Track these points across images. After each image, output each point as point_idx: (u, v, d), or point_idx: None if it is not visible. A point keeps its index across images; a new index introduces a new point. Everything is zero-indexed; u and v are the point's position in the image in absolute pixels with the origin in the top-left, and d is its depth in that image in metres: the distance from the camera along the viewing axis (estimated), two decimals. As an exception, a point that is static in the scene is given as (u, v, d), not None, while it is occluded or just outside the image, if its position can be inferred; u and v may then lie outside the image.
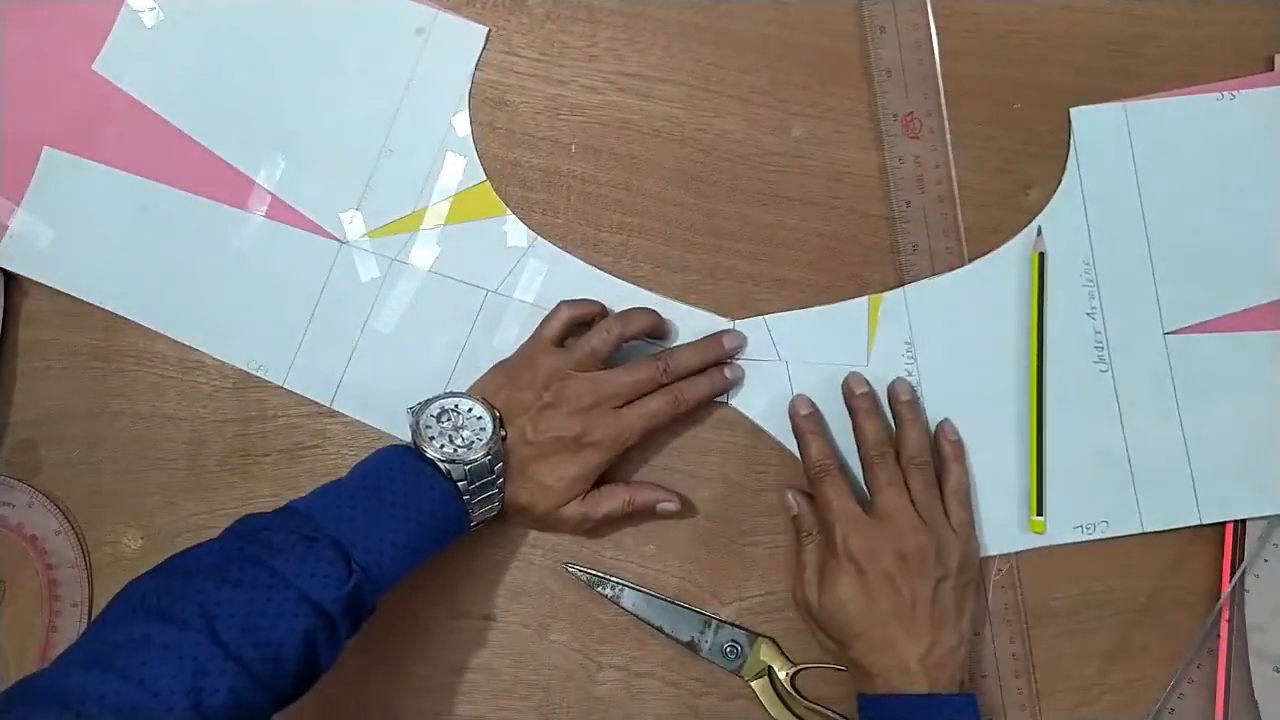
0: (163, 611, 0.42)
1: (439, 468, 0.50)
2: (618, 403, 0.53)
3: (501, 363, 0.55)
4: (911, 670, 0.50)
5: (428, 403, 0.52)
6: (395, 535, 0.48)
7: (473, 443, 0.51)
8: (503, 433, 0.52)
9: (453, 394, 0.53)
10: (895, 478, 0.53)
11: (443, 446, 0.50)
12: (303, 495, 0.49)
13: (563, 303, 0.55)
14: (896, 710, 0.50)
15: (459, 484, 0.50)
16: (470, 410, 0.52)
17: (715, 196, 0.58)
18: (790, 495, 0.56)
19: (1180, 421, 0.56)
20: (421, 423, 0.51)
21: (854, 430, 0.55)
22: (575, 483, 0.53)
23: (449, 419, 0.51)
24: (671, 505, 0.55)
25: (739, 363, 0.57)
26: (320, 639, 0.45)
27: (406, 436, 0.57)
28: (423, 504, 0.49)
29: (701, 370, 0.55)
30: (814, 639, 0.55)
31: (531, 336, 0.55)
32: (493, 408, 0.52)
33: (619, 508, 0.54)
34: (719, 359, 0.56)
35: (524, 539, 0.57)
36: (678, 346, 0.56)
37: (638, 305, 0.56)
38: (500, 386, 0.54)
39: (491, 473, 0.51)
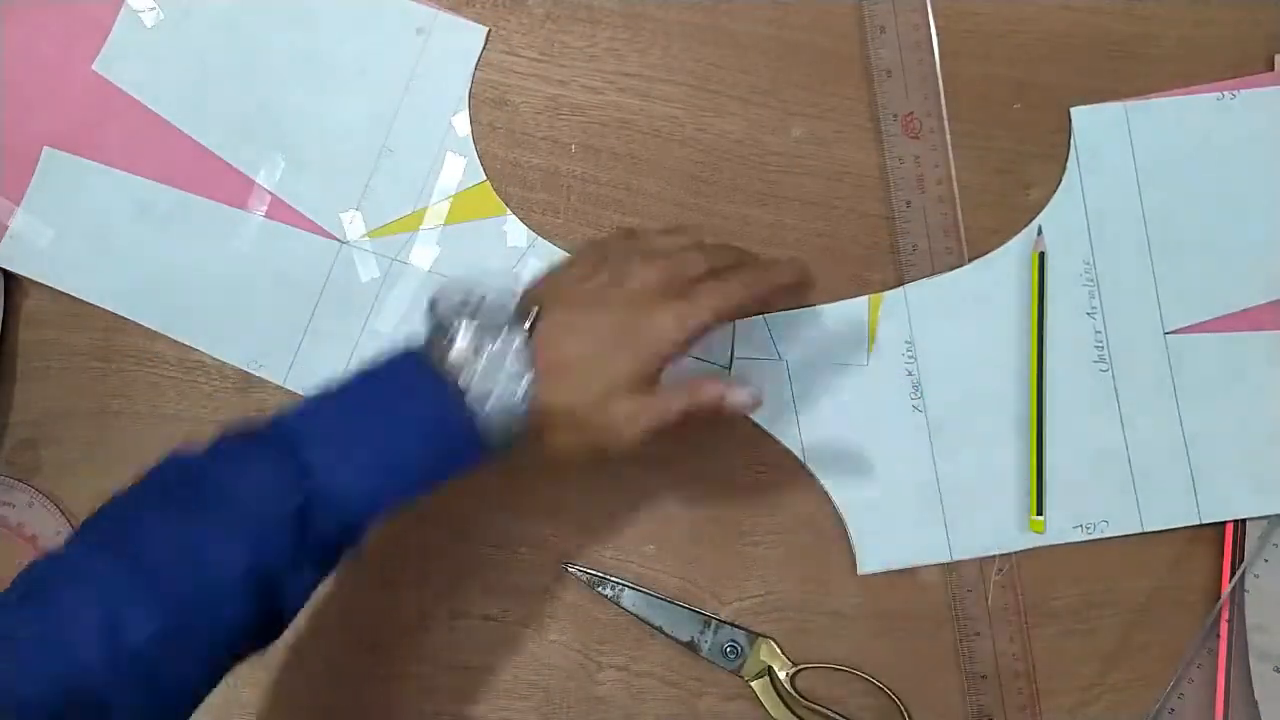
0: (92, 537, 0.38)
1: (443, 375, 0.41)
2: (683, 295, 0.44)
3: (559, 262, 0.48)
4: None
5: (452, 289, 0.43)
6: (372, 444, 0.40)
7: (489, 320, 0.42)
8: (537, 309, 0.43)
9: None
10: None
11: (454, 323, 0.41)
12: (298, 403, 0.43)
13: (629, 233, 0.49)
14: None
15: (468, 373, 0.41)
16: (499, 297, 0.43)
17: (715, 196, 0.58)
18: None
19: (1180, 421, 0.56)
20: (440, 300, 0.43)
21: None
22: (636, 374, 0.43)
23: (469, 306, 0.42)
24: (741, 398, 0.45)
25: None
26: (272, 565, 0.38)
27: (406, 436, 0.57)
28: (413, 406, 0.40)
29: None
30: None
31: (601, 238, 0.50)
32: (525, 295, 0.44)
33: (686, 404, 0.44)
34: (800, 275, 0.49)
35: (523, 539, 0.57)
36: (770, 267, 0.49)
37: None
38: (545, 277, 0.46)
39: (501, 332, 0.41)
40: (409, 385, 0.41)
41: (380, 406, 0.41)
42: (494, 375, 0.41)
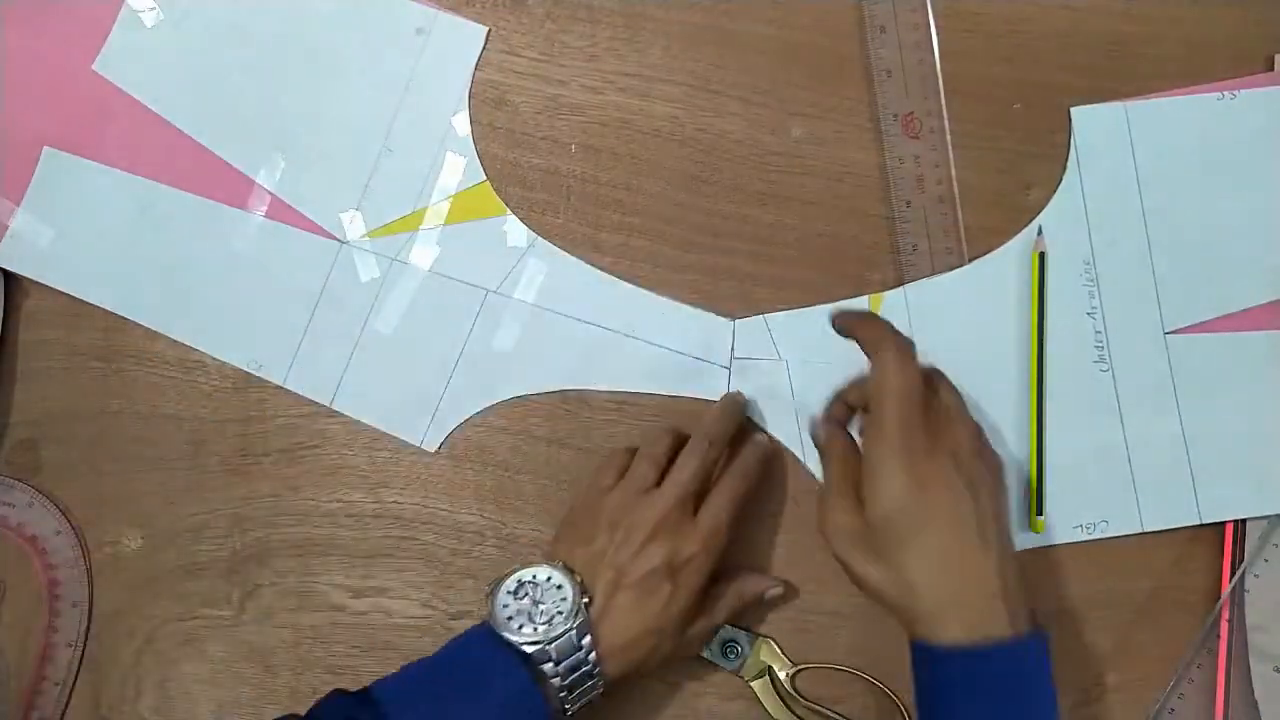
0: None
1: (519, 650, 0.46)
2: (689, 507, 0.50)
3: (563, 521, 0.54)
4: (990, 594, 0.43)
5: (502, 579, 0.48)
6: None
7: (553, 617, 0.47)
8: (586, 599, 0.48)
9: (529, 564, 0.49)
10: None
11: (521, 627, 0.47)
12: (391, 672, 0.48)
13: (615, 452, 0.54)
14: (960, 662, 0.43)
15: (545, 666, 0.46)
16: (549, 579, 0.48)
17: (715, 196, 0.58)
18: (814, 421, 0.53)
19: (1180, 421, 0.56)
20: (498, 602, 0.47)
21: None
22: (690, 606, 0.49)
23: (526, 593, 0.48)
24: (778, 590, 0.54)
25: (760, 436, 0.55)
26: None
27: (404, 436, 0.57)
28: (493, 694, 0.45)
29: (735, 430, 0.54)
30: (857, 588, 0.47)
31: (586, 485, 0.54)
32: (571, 571, 0.48)
33: (736, 607, 0.53)
34: (742, 412, 0.55)
35: (522, 539, 0.57)
36: (706, 420, 0.53)
37: (712, 413, 0.54)
38: (573, 545, 0.50)
39: (580, 648, 0.47)
40: (495, 671, 0.46)
41: (473, 693, 0.45)
42: (568, 663, 0.46)
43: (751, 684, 0.56)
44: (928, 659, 0.44)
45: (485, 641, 0.47)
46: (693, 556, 0.49)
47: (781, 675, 0.56)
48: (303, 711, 0.47)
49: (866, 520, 0.46)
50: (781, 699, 0.56)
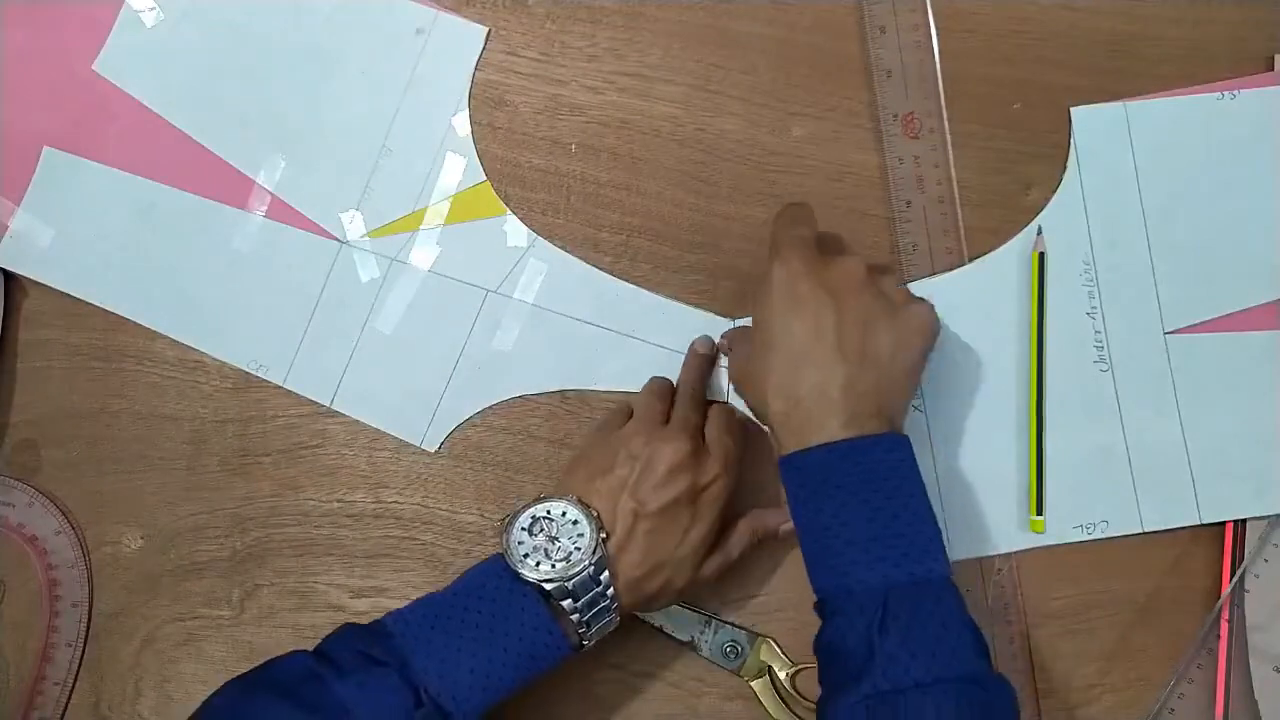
0: None
1: (537, 586, 0.47)
2: (700, 438, 0.51)
3: (575, 457, 0.54)
4: (833, 401, 0.46)
5: (516, 514, 0.48)
6: (475, 664, 0.45)
7: (570, 553, 0.47)
8: (603, 534, 0.48)
9: (542, 499, 0.49)
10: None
11: (538, 564, 0.47)
12: (405, 603, 0.48)
13: (618, 406, 0.56)
14: (813, 461, 0.46)
15: (564, 603, 0.47)
16: (564, 514, 0.48)
17: (715, 196, 0.58)
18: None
19: (1180, 421, 0.56)
20: (513, 538, 0.48)
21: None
22: (708, 536, 0.50)
23: (541, 528, 0.48)
24: (790, 525, 0.52)
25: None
26: None
27: (404, 436, 0.57)
28: (510, 630, 0.46)
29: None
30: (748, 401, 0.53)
31: (593, 430, 0.56)
32: (587, 506, 0.49)
33: (749, 542, 0.53)
34: (710, 351, 0.56)
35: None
36: (684, 372, 0.56)
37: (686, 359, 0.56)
38: (589, 478, 0.50)
39: (597, 583, 0.47)
40: (512, 609, 0.46)
41: (489, 629, 0.46)
42: (586, 599, 0.47)
43: (751, 684, 0.56)
44: (780, 467, 0.48)
45: (501, 576, 0.47)
46: (713, 480, 0.50)
47: (781, 675, 0.56)
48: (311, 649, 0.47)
49: (753, 341, 0.50)
50: (781, 699, 0.56)
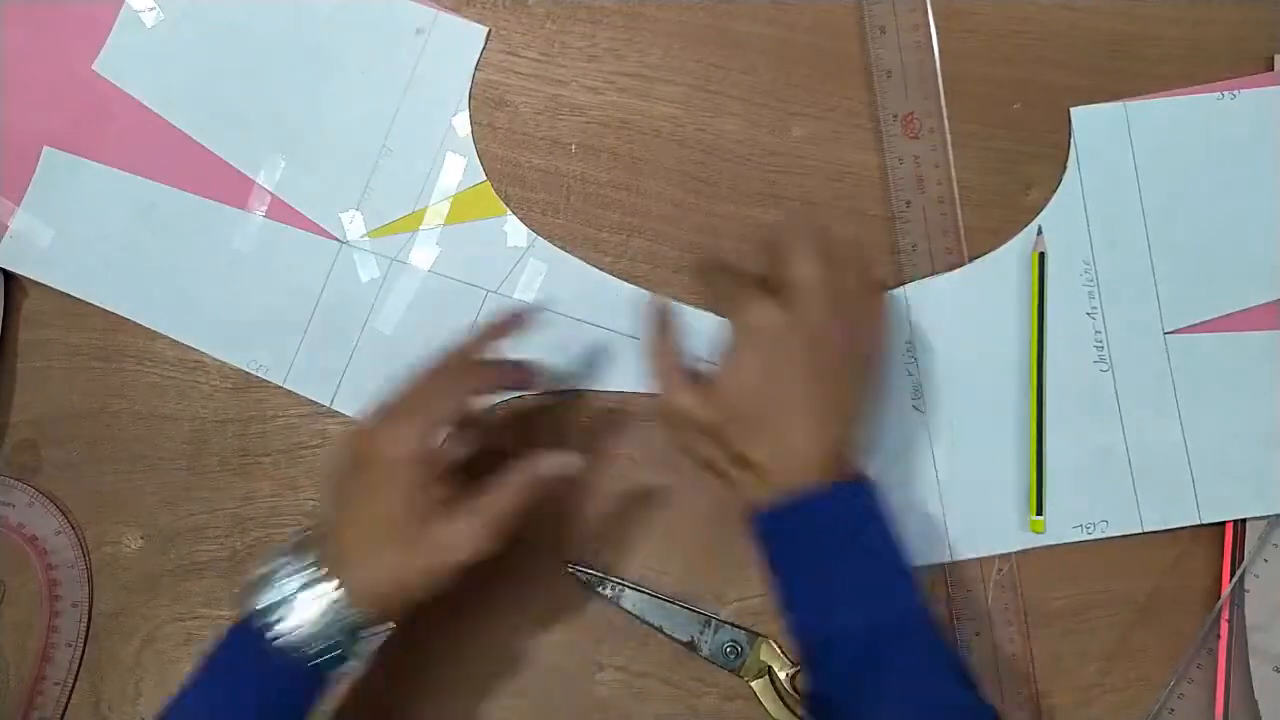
0: None
1: (262, 617, 0.44)
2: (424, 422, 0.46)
3: None
4: (812, 464, 0.45)
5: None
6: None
7: (286, 582, 0.45)
8: (314, 559, 0.45)
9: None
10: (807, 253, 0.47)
11: (262, 597, 0.45)
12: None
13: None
14: (799, 513, 0.46)
15: (282, 627, 0.44)
16: (285, 552, 0.46)
17: (715, 196, 0.58)
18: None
19: (1180, 421, 0.56)
20: (249, 600, 0.45)
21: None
22: (407, 506, 0.45)
23: (271, 568, 0.46)
24: (557, 466, 0.48)
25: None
26: None
27: (406, 436, 0.57)
28: (246, 677, 0.44)
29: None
30: (684, 450, 0.49)
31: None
32: (307, 533, 0.47)
33: (509, 500, 0.46)
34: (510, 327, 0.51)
35: (524, 539, 0.57)
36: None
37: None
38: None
39: (314, 592, 0.44)
40: (238, 667, 0.45)
41: (219, 699, 0.45)
42: (316, 622, 0.44)
43: (751, 684, 0.56)
44: (752, 525, 0.48)
45: (234, 629, 0.45)
46: (391, 445, 0.45)
47: (781, 675, 0.56)
48: None
49: (719, 387, 0.48)
50: (781, 699, 0.56)
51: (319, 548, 0.45)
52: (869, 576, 0.46)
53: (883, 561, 0.46)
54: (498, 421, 0.55)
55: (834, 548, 0.46)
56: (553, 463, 0.48)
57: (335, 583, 0.44)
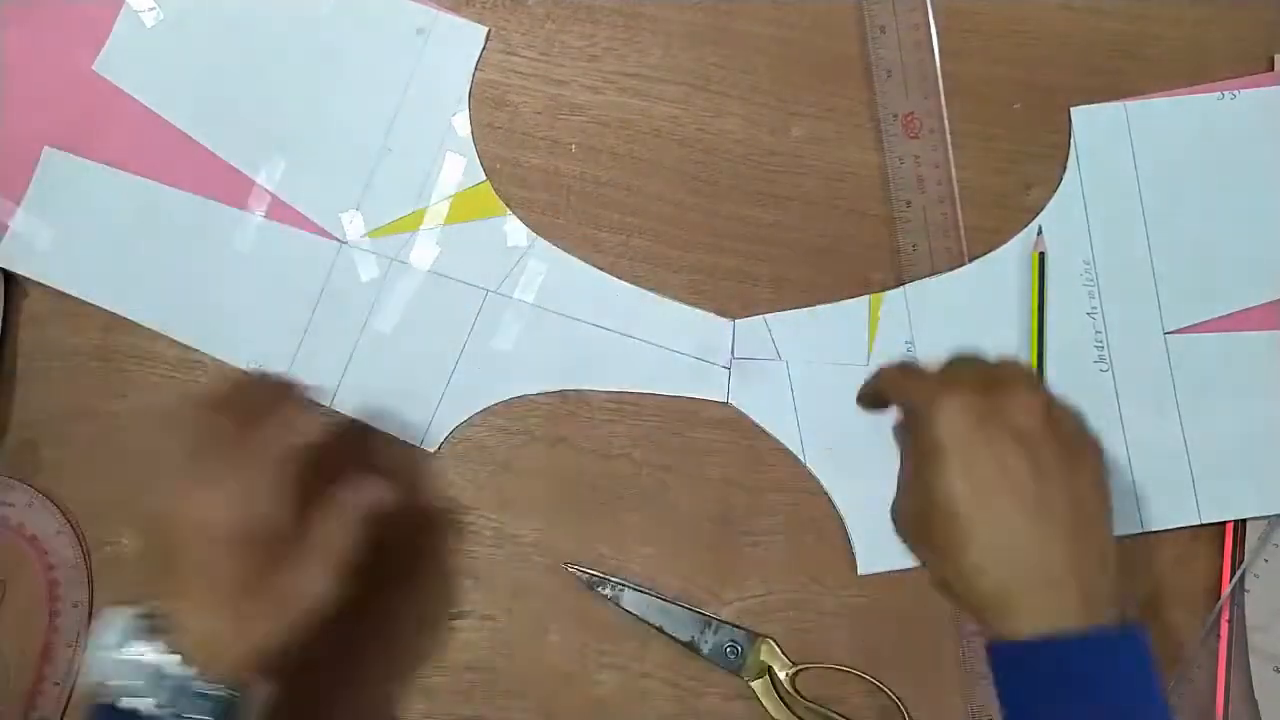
0: None
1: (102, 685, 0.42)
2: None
3: None
4: (1057, 579, 0.39)
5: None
6: None
7: (122, 645, 0.42)
8: (145, 613, 0.43)
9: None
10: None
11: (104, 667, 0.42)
12: None
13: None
14: (1039, 658, 0.39)
15: (122, 687, 0.41)
16: (119, 616, 0.43)
17: (715, 196, 0.58)
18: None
19: (1180, 421, 0.56)
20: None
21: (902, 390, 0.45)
22: (259, 570, 0.42)
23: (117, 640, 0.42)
24: (376, 494, 0.47)
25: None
26: None
27: (403, 436, 0.57)
28: None
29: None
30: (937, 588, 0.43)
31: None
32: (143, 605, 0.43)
33: (340, 536, 0.44)
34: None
35: (522, 539, 0.57)
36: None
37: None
38: None
39: (159, 663, 0.41)
40: None
41: None
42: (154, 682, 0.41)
43: (751, 684, 0.56)
44: (993, 654, 0.42)
45: (97, 710, 0.42)
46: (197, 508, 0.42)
47: (781, 675, 0.56)
48: None
49: (926, 503, 0.42)
50: (781, 699, 0.56)
51: (154, 616, 0.42)
52: None
53: None
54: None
55: (1086, 706, 0.39)
56: (371, 493, 0.46)
57: (177, 655, 0.41)
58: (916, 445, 0.43)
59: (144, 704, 0.41)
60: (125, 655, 0.41)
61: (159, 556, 0.43)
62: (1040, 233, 0.57)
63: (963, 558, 0.41)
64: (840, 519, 0.56)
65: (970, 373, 0.44)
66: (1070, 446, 0.42)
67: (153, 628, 0.42)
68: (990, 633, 0.42)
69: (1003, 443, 0.41)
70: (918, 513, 0.43)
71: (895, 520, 0.45)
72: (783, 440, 0.57)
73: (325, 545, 0.44)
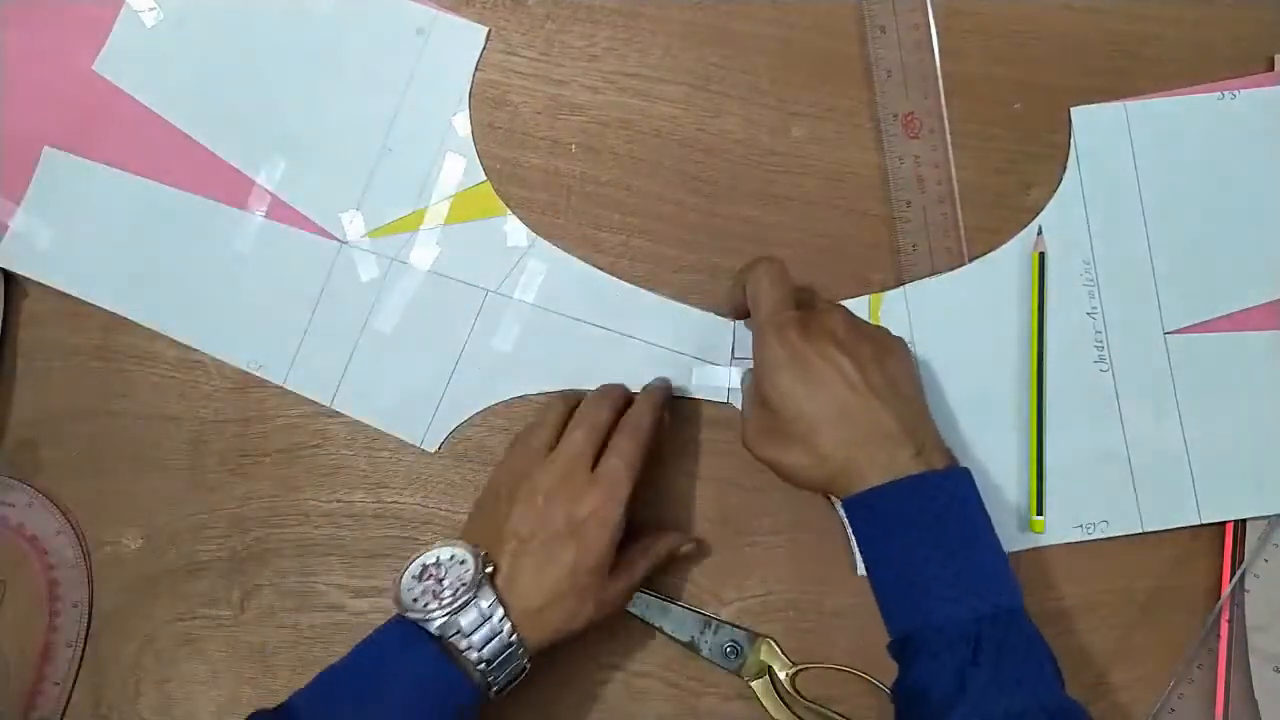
0: None
1: (427, 630, 0.46)
2: (585, 464, 0.50)
3: (475, 502, 0.54)
4: (891, 435, 0.47)
5: (406, 565, 0.48)
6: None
7: (457, 589, 0.46)
8: (489, 569, 0.48)
9: (436, 544, 0.49)
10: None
11: (427, 606, 0.46)
12: (307, 683, 0.47)
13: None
14: (886, 500, 0.46)
15: (457, 641, 0.46)
16: (451, 556, 0.48)
17: (715, 196, 0.58)
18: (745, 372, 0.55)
19: (1180, 421, 0.56)
20: (403, 587, 0.48)
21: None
22: (601, 564, 0.48)
23: (430, 574, 0.48)
24: (690, 546, 0.54)
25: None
26: None
27: (404, 436, 0.57)
28: (404, 684, 0.45)
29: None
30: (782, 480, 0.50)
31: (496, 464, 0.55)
32: (474, 544, 0.48)
33: (651, 563, 0.52)
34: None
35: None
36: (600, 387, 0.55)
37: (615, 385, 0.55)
38: (476, 521, 0.52)
39: (488, 617, 0.46)
40: (398, 658, 0.46)
41: (379, 689, 0.45)
42: (480, 635, 0.46)
43: (751, 684, 0.56)
44: (851, 509, 0.48)
45: (394, 629, 0.47)
46: (594, 511, 0.48)
47: (781, 675, 0.56)
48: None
49: (772, 416, 0.49)
50: (781, 699, 0.56)
51: (488, 573, 0.47)
52: (968, 567, 0.45)
53: (978, 552, 0.46)
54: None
55: (927, 536, 0.46)
56: (678, 540, 0.54)
57: (509, 623, 0.47)
58: (758, 367, 0.50)
59: (463, 643, 0.46)
60: (463, 598, 0.46)
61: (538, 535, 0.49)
62: (1040, 233, 0.57)
63: (814, 444, 0.48)
64: (840, 519, 0.56)
65: (794, 308, 0.51)
66: (879, 343, 0.50)
67: (489, 579, 0.47)
68: (843, 497, 0.48)
69: (825, 347, 0.48)
70: (768, 426, 0.50)
71: (750, 445, 0.51)
72: (783, 440, 0.57)
73: (632, 568, 0.51)
